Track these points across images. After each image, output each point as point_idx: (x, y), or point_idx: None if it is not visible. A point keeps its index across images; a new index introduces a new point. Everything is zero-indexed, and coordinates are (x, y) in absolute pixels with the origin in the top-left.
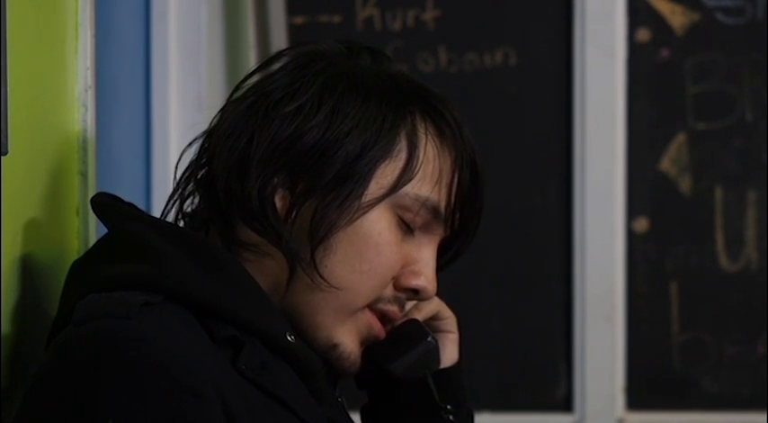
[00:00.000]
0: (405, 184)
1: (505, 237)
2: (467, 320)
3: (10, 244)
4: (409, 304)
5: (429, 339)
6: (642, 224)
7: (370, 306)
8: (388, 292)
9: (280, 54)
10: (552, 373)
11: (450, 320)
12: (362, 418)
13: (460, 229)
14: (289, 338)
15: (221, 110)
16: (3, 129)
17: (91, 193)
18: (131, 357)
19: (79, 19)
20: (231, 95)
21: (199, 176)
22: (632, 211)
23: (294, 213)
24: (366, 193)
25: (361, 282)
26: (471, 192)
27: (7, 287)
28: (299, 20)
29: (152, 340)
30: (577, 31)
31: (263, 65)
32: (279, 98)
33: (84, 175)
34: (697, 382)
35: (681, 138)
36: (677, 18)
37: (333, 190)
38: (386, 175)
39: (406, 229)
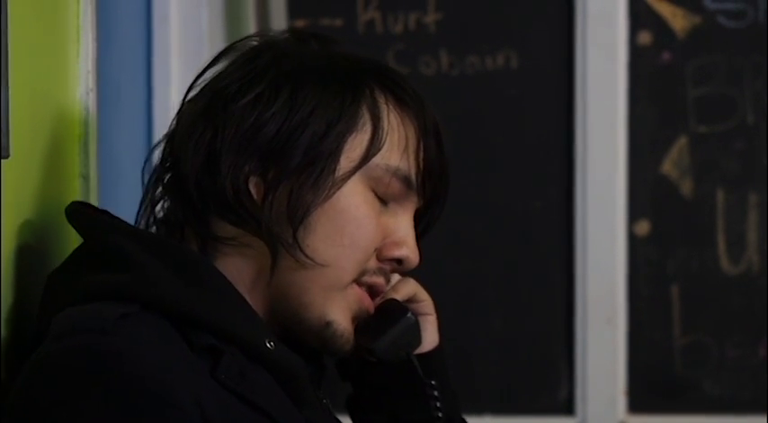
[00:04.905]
0: (374, 155)
1: (507, 239)
2: (468, 323)
3: (10, 247)
4: (394, 278)
5: (408, 315)
6: (643, 227)
7: (357, 281)
8: (372, 264)
9: (229, 49)
10: (553, 376)
11: (427, 303)
12: (348, 409)
13: (431, 198)
14: (268, 345)
15: (178, 112)
16: (4, 132)
17: (93, 196)
18: (108, 373)
19: (80, 22)
20: (185, 97)
21: (165, 180)
22: (633, 213)
23: (270, 198)
24: (338, 168)
25: (345, 256)
26: (438, 159)
27: (7, 289)
28: (300, 23)
29: (128, 355)
30: (579, 33)
31: (212, 63)
32: (234, 91)
33: (85, 177)
34: (698, 385)
35: (682, 141)
36: (678, 21)
37: (305, 170)
38: (354, 148)
39: (381, 201)
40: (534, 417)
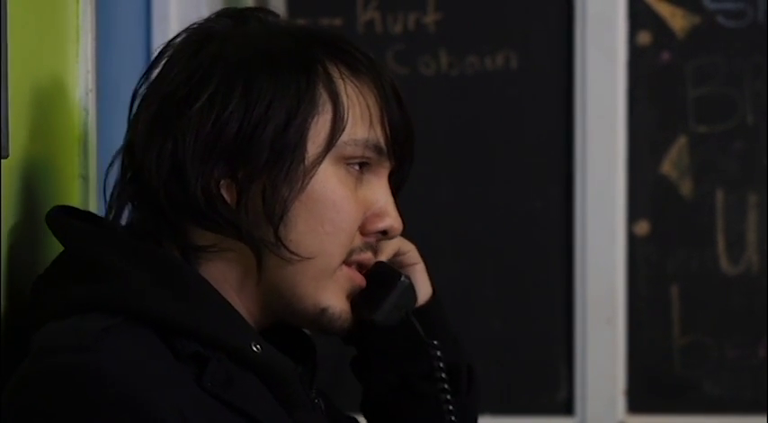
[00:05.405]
0: (340, 134)
1: (506, 239)
2: (468, 323)
3: (10, 248)
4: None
5: (402, 279)
6: (643, 227)
7: (345, 261)
8: (357, 241)
9: (168, 46)
10: (553, 376)
11: (412, 252)
12: (353, 370)
13: (401, 157)
14: (254, 349)
15: (129, 124)
16: (3, 132)
17: (92, 197)
18: (89, 393)
19: (80, 22)
20: (131, 106)
21: (131, 193)
22: (633, 214)
23: (244, 200)
24: (306, 156)
25: (330, 243)
26: (402, 119)
27: (6, 290)
28: (299, 23)
29: (109, 372)
30: (578, 34)
31: (153, 64)
32: (186, 95)
33: (84, 178)
34: (698, 385)
35: (682, 141)
36: (678, 21)
37: (275, 165)
38: (319, 132)
39: (357, 174)
40: (534, 417)
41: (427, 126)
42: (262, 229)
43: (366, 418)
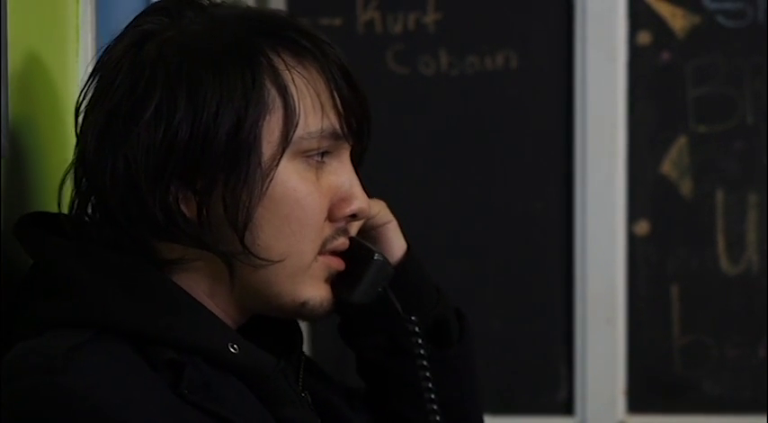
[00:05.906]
0: (294, 130)
1: (506, 239)
2: None
3: (10, 247)
4: (352, 227)
5: (376, 257)
6: (643, 227)
7: (319, 252)
8: (328, 231)
9: (104, 54)
10: (553, 376)
11: (383, 212)
12: (342, 337)
13: (358, 131)
14: (232, 350)
15: (78, 139)
16: (3, 131)
17: None
18: (60, 416)
19: (80, 22)
20: (76, 119)
21: (89, 206)
22: (633, 213)
23: (205, 211)
24: (263, 159)
25: (300, 241)
26: (353, 95)
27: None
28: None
29: (78, 392)
30: (578, 33)
31: (90, 78)
32: (130, 108)
33: None
34: (698, 385)
35: (682, 141)
36: (678, 21)
37: (231, 172)
38: (272, 131)
39: (317, 164)
40: (534, 417)
41: (427, 126)
42: (228, 239)
43: (364, 381)
